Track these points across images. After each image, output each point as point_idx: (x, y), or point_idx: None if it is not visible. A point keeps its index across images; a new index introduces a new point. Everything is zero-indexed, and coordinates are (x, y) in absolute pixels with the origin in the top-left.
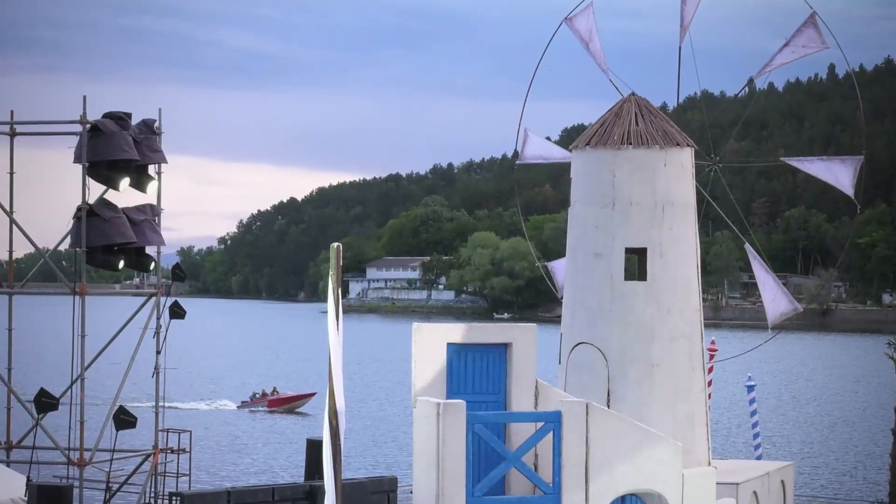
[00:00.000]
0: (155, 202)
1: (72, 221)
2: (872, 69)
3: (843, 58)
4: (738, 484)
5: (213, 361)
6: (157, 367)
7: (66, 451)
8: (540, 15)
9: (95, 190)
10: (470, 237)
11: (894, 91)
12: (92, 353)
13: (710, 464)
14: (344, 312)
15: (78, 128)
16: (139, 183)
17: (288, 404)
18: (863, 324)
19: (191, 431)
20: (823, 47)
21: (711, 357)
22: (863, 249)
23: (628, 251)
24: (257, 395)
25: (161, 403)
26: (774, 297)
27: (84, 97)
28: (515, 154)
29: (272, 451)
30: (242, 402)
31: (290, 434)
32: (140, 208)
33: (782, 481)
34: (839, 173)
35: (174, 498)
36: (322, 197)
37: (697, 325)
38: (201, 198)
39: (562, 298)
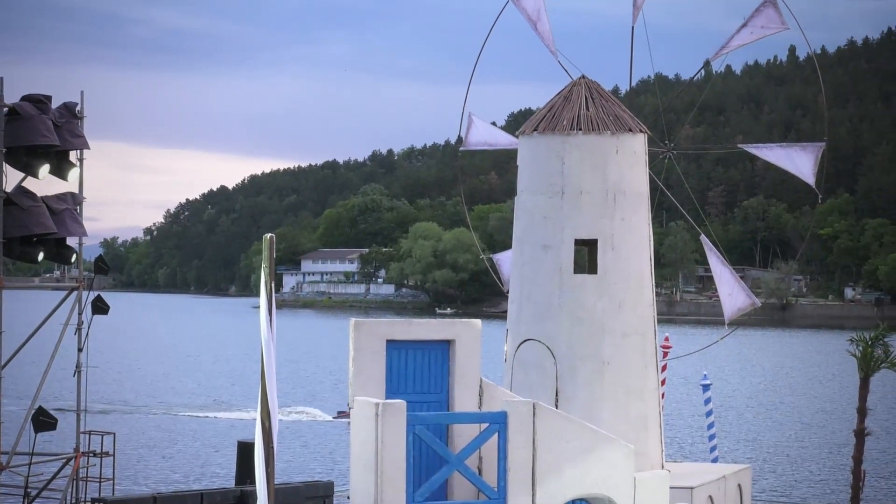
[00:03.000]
0: (76, 190)
1: None
2: (835, 51)
3: (803, 39)
4: (692, 488)
5: (141, 361)
6: (78, 366)
7: None
8: None
9: (13, 177)
10: (411, 228)
11: (857, 74)
12: (9, 351)
13: (663, 467)
14: (277, 307)
15: None
16: (60, 170)
17: None
18: (824, 319)
19: (114, 434)
20: (783, 28)
21: (665, 354)
22: (824, 241)
23: (578, 243)
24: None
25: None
26: (731, 291)
27: (0, 78)
28: (459, 140)
29: (202, 454)
30: (339, 413)
31: (220, 436)
32: (61, 197)
33: (739, 485)
34: (800, 161)
35: (97, 503)
36: (254, 185)
37: (651, 320)
38: (126, 186)
39: (508, 293)
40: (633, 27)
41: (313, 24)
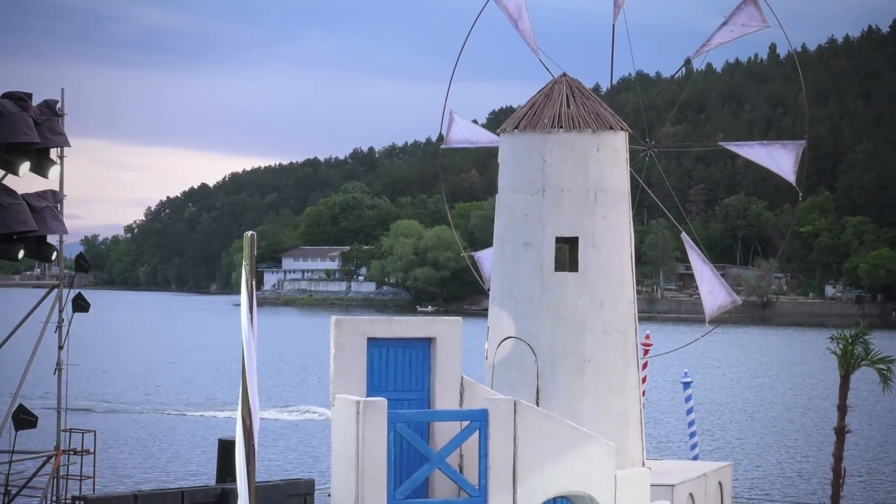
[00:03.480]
0: (57, 188)
1: None
2: (815, 49)
3: (784, 37)
4: (673, 486)
5: (122, 359)
6: (58, 364)
7: None
8: None
9: None
10: (392, 225)
11: (838, 72)
12: None
13: (644, 464)
14: (258, 305)
15: None
16: (40, 167)
17: None
18: (804, 317)
19: (94, 432)
20: (764, 26)
21: (646, 352)
22: (805, 239)
23: (559, 240)
24: None
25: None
26: (712, 288)
27: None
28: (440, 138)
29: (182, 452)
30: None
31: (201, 434)
32: (41, 194)
33: (720, 483)
34: (780, 159)
35: (77, 501)
36: (235, 182)
37: (631, 318)
38: (107, 183)
39: (489, 290)
40: (613, 25)
41: (295, 22)
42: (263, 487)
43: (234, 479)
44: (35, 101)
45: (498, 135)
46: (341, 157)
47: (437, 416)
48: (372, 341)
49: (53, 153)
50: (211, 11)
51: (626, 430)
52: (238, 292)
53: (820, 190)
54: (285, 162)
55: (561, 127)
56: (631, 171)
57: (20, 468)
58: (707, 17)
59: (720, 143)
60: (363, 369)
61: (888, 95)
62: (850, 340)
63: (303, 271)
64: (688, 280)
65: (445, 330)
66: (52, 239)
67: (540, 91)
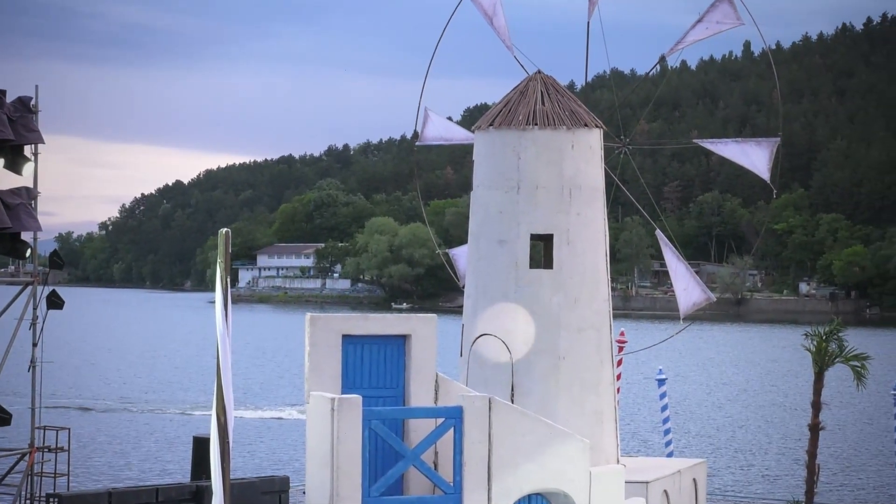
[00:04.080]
0: (31, 185)
1: None
2: (790, 46)
3: (758, 34)
4: (647, 482)
5: (97, 356)
6: (33, 361)
7: None
8: None
9: None
10: (367, 223)
11: (812, 70)
12: None
13: (618, 461)
14: (233, 302)
15: None
16: (14, 164)
17: None
18: (779, 314)
19: (69, 429)
20: (738, 23)
21: (620, 349)
22: (779, 236)
23: (534, 237)
24: None
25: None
26: (687, 285)
27: None
28: (415, 135)
29: (157, 449)
30: None
31: (176, 432)
32: (15, 191)
33: (694, 480)
34: (755, 156)
35: (52, 499)
36: (210, 179)
37: (606, 315)
38: (81, 180)
39: (464, 287)
40: (588, 22)
41: (269, 19)
42: (238, 485)
43: (208, 477)
44: (9, 98)
45: (473, 132)
46: (316, 153)
47: (412, 413)
48: (347, 338)
49: (27, 150)
50: (186, 8)
51: (601, 427)
52: (213, 289)
53: (794, 187)
54: (260, 159)
55: (536, 124)
56: (605, 169)
57: None
58: (682, 14)
59: (695, 141)
60: (338, 366)
61: (862, 93)
62: (824, 337)
63: (278, 268)
64: (662, 277)
65: (420, 327)
66: (26, 236)
67: (515, 88)
